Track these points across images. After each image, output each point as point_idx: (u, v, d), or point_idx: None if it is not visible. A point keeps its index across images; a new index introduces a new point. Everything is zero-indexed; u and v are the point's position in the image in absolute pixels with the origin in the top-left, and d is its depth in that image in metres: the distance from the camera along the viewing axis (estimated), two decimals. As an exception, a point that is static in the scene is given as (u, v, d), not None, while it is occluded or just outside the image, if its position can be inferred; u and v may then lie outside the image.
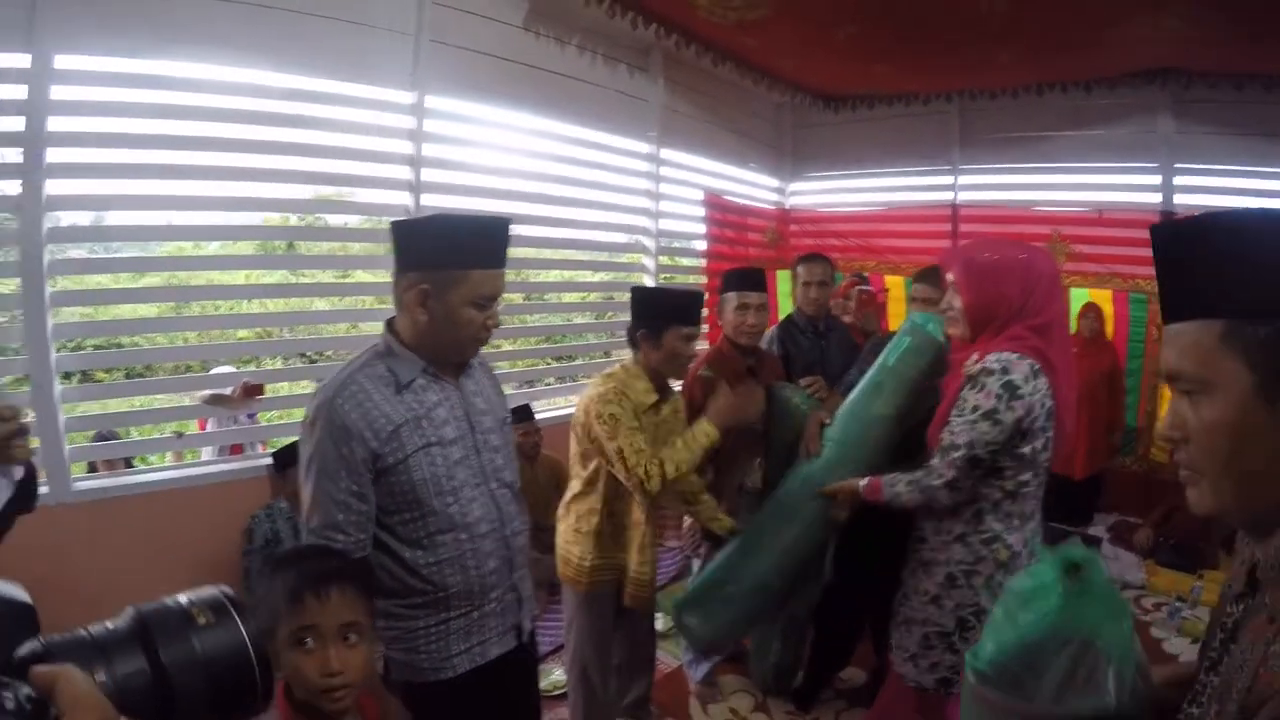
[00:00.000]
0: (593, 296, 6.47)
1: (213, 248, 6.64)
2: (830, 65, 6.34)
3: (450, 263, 2.02)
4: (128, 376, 7.10)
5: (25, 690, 0.65)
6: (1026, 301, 2.40)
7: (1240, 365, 0.89)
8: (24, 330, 3.50)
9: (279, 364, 5.56)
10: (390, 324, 2.16)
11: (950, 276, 2.54)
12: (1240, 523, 1.00)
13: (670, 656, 4.23)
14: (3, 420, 1.69)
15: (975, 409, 2.36)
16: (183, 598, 0.78)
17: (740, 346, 3.70)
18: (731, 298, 3.68)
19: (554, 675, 3.84)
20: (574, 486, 3.16)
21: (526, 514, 2.39)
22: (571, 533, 3.15)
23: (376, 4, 4.35)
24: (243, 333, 5.09)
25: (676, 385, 3.38)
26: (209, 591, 0.79)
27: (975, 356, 2.43)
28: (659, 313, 3.07)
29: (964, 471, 2.41)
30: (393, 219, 2.31)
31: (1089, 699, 1.08)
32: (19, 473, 1.81)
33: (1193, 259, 0.96)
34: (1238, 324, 0.90)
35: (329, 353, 6.67)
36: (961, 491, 2.46)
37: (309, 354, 6.52)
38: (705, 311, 6.51)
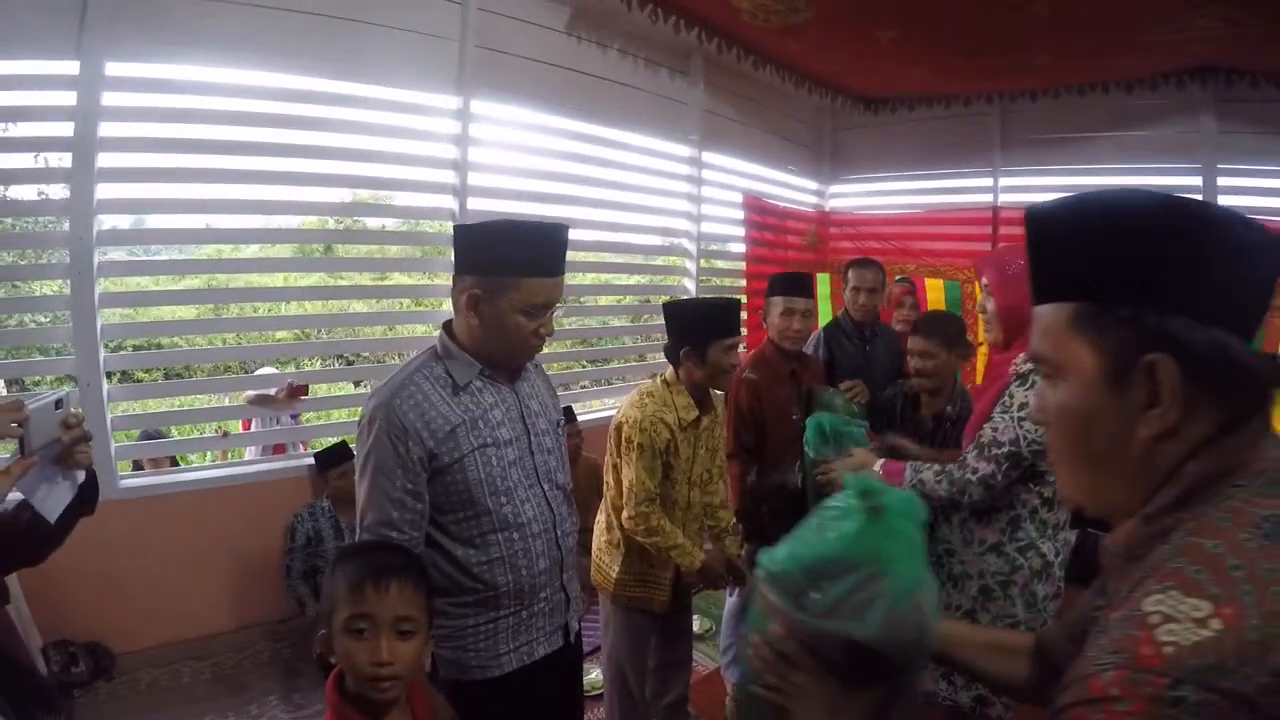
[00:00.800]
0: (627, 300, 6.47)
1: (250, 250, 6.71)
2: (871, 68, 6.32)
3: (502, 269, 2.02)
4: (166, 377, 7.19)
5: None
6: None
7: (1087, 350, 0.90)
8: (72, 331, 3.56)
9: (318, 365, 5.60)
10: (448, 326, 2.16)
11: (984, 280, 2.53)
12: (1098, 511, 0.98)
13: (707, 659, 4.21)
14: (69, 428, 1.76)
15: (1023, 406, 2.32)
16: None
17: (784, 350, 3.71)
18: (778, 302, 3.67)
19: (591, 675, 3.83)
20: (607, 497, 3.14)
21: (577, 515, 2.40)
22: (604, 542, 3.15)
23: (423, 11, 4.40)
24: (281, 334, 5.11)
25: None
26: None
27: (1022, 356, 2.40)
28: (701, 327, 3.01)
29: (1003, 469, 2.36)
30: (456, 223, 2.31)
31: (853, 623, 1.09)
32: (81, 476, 1.87)
33: (1048, 242, 0.96)
34: (1087, 308, 0.90)
35: (365, 354, 6.72)
36: (995, 491, 2.40)
37: (346, 355, 6.57)
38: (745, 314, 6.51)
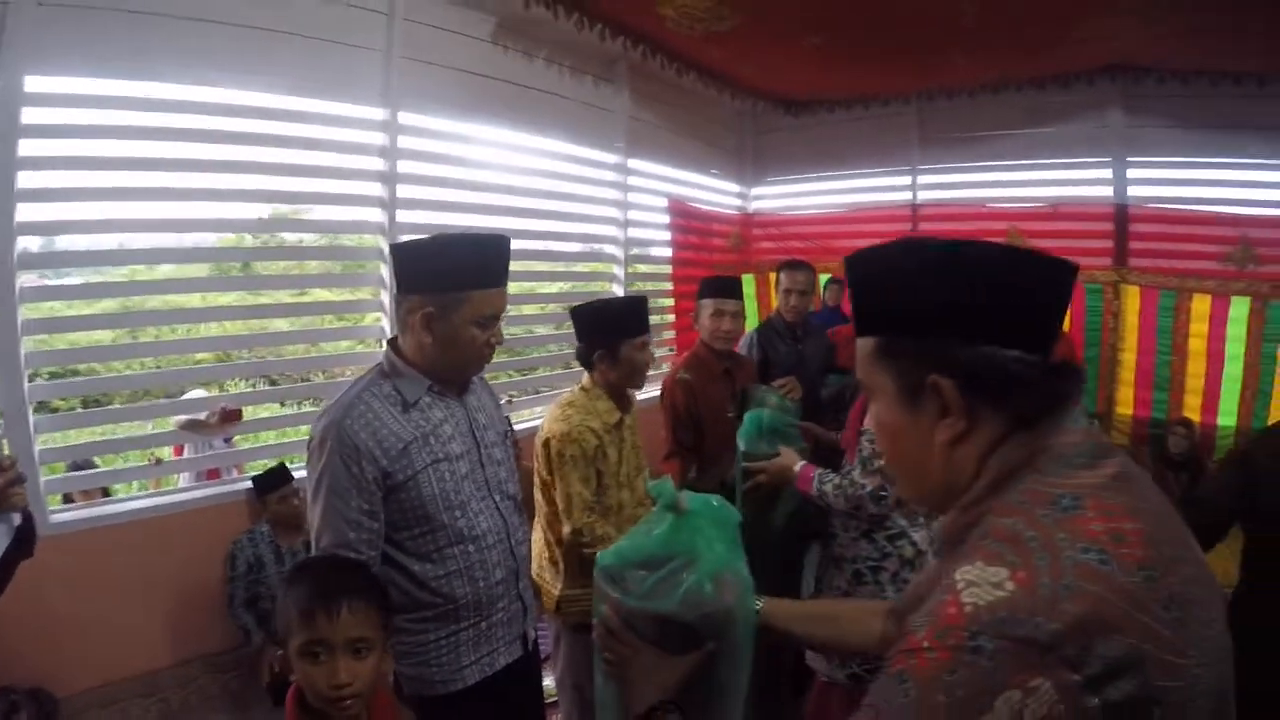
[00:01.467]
0: (550, 308, 6.46)
1: (164, 270, 6.52)
2: (794, 73, 6.45)
3: (452, 284, 2.04)
4: (84, 405, 6.95)
5: None
6: None
7: (886, 376, 1.05)
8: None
9: (242, 386, 5.49)
10: (393, 343, 2.16)
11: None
12: (926, 506, 1.19)
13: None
14: (2, 470, 1.71)
15: None
16: None
17: (717, 351, 3.79)
18: (708, 304, 3.76)
19: (548, 682, 3.80)
20: (542, 515, 3.11)
21: (528, 525, 2.43)
22: (545, 561, 3.09)
23: (347, 22, 4.33)
24: (201, 355, 4.97)
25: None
26: None
27: None
28: (609, 329, 3.03)
29: (888, 479, 2.46)
30: (393, 242, 2.30)
31: (658, 601, 1.35)
32: (17, 519, 1.82)
33: (855, 285, 1.12)
34: (884, 341, 1.06)
35: (289, 373, 6.59)
36: (888, 501, 2.52)
37: (271, 375, 6.44)
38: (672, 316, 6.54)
